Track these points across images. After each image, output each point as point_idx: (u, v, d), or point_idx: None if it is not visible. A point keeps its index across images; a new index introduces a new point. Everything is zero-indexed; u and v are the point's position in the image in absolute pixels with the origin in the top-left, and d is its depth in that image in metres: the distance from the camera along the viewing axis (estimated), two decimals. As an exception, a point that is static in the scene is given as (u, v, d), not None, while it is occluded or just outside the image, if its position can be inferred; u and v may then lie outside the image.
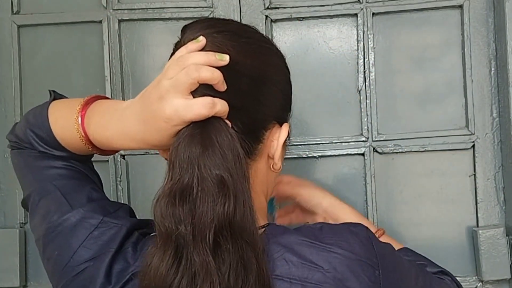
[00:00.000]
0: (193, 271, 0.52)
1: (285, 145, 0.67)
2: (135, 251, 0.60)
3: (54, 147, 0.65)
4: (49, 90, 0.71)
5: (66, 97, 0.72)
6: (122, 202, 1.13)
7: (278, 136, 0.65)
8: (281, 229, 0.61)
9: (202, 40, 0.58)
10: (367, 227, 0.62)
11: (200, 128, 0.55)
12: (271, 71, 0.65)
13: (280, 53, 0.69)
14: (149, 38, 1.15)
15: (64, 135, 0.64)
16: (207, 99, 0.54)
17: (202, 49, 0.58)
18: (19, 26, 1.15)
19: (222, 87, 0.57)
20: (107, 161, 1.12)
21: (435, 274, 0.76)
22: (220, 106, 0.55)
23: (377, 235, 0.60)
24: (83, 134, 0.62)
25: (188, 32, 0.63)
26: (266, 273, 0.55)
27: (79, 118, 0.62)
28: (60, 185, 0.64)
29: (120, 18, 1.14)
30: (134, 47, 1.16)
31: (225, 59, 0.56)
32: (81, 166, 0.68)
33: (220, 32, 0.61)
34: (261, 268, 0.54)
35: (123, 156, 1.14)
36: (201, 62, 0.55)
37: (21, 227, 1.14)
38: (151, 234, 0.63)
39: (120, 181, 1.14)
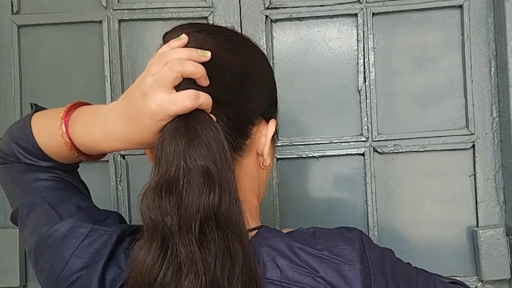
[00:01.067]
0: (178, 262, 0.53)
1: (273, 142, 0.68)
2: (127, 257, 0.60)
3: (40, 158, 0.65)
4: (30, 103, 0.72)
5: (47, 109, 0.73)
6: (122, 202, 1.13)
7: (265, 132, 0.65)
8: (273, 233, 0.61)
9: (184, 38, 0.59)
10: (361, 231, 0.62)
11: (185, 121, 0.55)
12: (255, 68, 0.65)
13: (262, 52, 0.70)
14: (149, 38, 1.15)
15: (49, 145, 0.64)
16: (191, 92, 0.55)
17: (185, 47, 0.59)
18: (19, 26, 1.15)
19: (205, 81, 0.57)
20: (107, 161, 1.12)
21: (445, 279, 0.73)
22: (204, 98, 0.56)
23: None
24: (68, 141, 0.62)
25: (168, 35, 0.64)
26: (253, 264, 0.55)
27: (63, 125, 0.62)
28: (47, 197, 0.64)
29: (120, 18, 1.14)
30: (134, 47, 1.16)
31: (207, 55, 0.57)
32: (67, 176, 0.68)
33: (201, 31, 0.62)
34: (247, 258, 0.55)
35: (123, 156, 1.14)
36: (184, 58, 0.56)
37: (21, 227, 1.14)
38: None
39: (120, 181, 1.14)
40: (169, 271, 0.53)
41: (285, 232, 0.63)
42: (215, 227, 0.54)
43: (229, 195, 0.55)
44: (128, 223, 0.70)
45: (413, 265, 0.65)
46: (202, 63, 0.57)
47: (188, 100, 0.54)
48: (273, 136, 0.66)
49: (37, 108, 0.70)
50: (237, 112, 0.61)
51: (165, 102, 0.54)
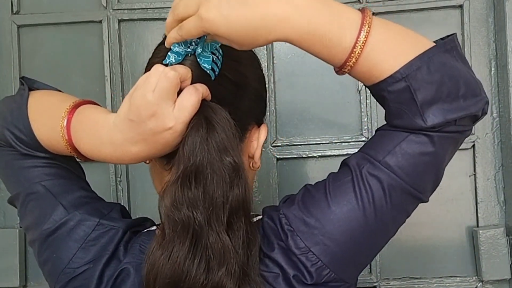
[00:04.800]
0: (209, 254, 0.54)
1: (263, 145, 0.68)
2: (126, 249, 0.62)
3: (37, 149, 0.64)
4: (20, 79, 0.68)
5: (39, 83, 0.69)
6: (122, 202, 1.13)
7: (257, 136, 0.66)
8: None
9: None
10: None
11: (200, 114, 0.55)
12: (251, 74, 0.65)
13: (256, 55, 0.69)
14: (149, 38, 1.15)
15: (50, 143, 0.63)
16: (188, 88, 0.55)
17: None
18: (19, 26, 1.15)
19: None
20: (107, 161, 1.12)
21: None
22: (201, 87, 0.56)
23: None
24: (73, 151, 0.61)
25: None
26: (259, 244, 0.59)
27: (65, 133, 0.60)
28: (49, 186, 0.63)
29: (120, 18, 1.14)
30: (134, 47, 1.16)
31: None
32: (65, 162, 0.66)
33: None
34: (257, 240, 0.58)
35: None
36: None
37: (21, 227, 1.14)
38: (145, 230, 0.65)
39: (120, 181, 1.14)
40: (201, 264, 0.54)
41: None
42: (242, 217, 0.56)
43: (249, 186, 0.57)
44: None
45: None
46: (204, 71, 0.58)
47: (192, 96, 0.54)
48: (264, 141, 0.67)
49: (29, 85, 0.66)
50: (234, 117, 0.61)
51: (178, 113, 0.54)
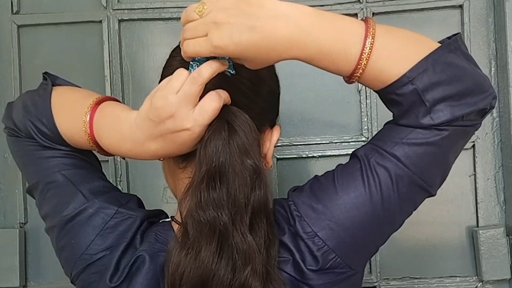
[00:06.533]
0: (234, 255, 0.55)
1: (275, 145, 0.70)
2: (142, 237, 0.63)
3: (58, 142, 0.66)
4: (43, 74, 0.70)
5: (61, 80, 0.72)
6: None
7: (270, 137, 0.67)
8: None
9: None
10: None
11: (222, 118, 0.57)
12: (268, 78, 0.67)
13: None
14: (149, 38, 1.15)
15: (72, 138, 0.65)
16: (211, 94, 0.56)
17: None
18: (19, 26, 1.15)
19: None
20: (107, 161, 1.12)
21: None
22: (223, 93, 0.58)
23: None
24: (95, 146, 0.64)
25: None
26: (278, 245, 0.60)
27: (88, 128, 0.63)
28: (69, 175, 0.65)
29: (120, 18, 1.14)
30: (134, 47, 1.16)
31: (226, 62, 0.58)
32: (84, 154, 0.69)
33: None
34: (277, 241, 0.59)
35: (123, 156, 1.14)
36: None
37: (21, 227, 1.14)
38: (160, 221, 0.67)
39: (120, 181, 1.14)
40: (228, 264, 0.55)
41: None
42: (263, 218, 0.57)
43: (269, 189, 0.58)
44: None
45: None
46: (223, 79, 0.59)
47: (214, 102, 0.56)
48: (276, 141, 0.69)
49: (52, 81, 0.70)
50: (252, 117, 0.62)
51: (198, 116, 0.55)
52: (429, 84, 0.55)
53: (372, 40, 0.55)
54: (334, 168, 0.65)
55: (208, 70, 0.56)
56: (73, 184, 0.65)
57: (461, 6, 1.11)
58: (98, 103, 0.64)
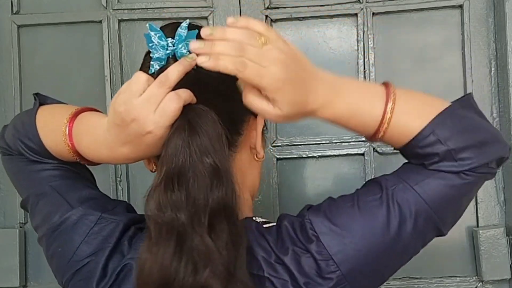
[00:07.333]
0: (194, 256, 0.54)
1: (263, 134, 0.69)
2: (130, 244, 0.63)
3: (45, 156, 0.68)
4: (34, 95, 0.73)
5: (51, 99, 0.74)
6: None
7: (255, 126, 0.67)
8: (254, 224, 0.64)
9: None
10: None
11: (185, 117, 0.56)
12: None
13: None
14: (149, 38, 1.15)
15: (56, 149, 0.66)
16: (170, 94, 0.56)
17: None
18: (19, 26, 1.15)
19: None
20: (107, 161, 1.12)
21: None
22: (183, 93, 0.57)
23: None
24: (77, 157, 0.65)
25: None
26: (248, 244, 0.59)
27: (68, 139, 0.64)
28: (56, 186, 0.67)
29: (120, 18, 1.14)
30: (134, 47, 1.16)
31: (194, 58, 0.56)
32: (72, 166, 0.70)
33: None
34: (244, 241, 0.58)
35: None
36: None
37: (21, 227, 1.14)
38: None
39: (120, 181, 1.14)
40: (188, 266, 0.54)
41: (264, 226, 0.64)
42: (223, 219, 0.56)
43: (232, 188, 0.57)
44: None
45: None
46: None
47: (173, 103, 0.55)
48: (262, 129, 0.68)
49: (40, 101, 0.72)
50: (227, 112, 0.62)
51: (158, 118, 0.55)
52: (450, 134, 0.59)
53: (394, 98, 0.61)
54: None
55: (174, 73, 0.56)
56: (60, 194, 0.66)
57: (461, 6, 1.12)
58: (76, 114, 0.65)
